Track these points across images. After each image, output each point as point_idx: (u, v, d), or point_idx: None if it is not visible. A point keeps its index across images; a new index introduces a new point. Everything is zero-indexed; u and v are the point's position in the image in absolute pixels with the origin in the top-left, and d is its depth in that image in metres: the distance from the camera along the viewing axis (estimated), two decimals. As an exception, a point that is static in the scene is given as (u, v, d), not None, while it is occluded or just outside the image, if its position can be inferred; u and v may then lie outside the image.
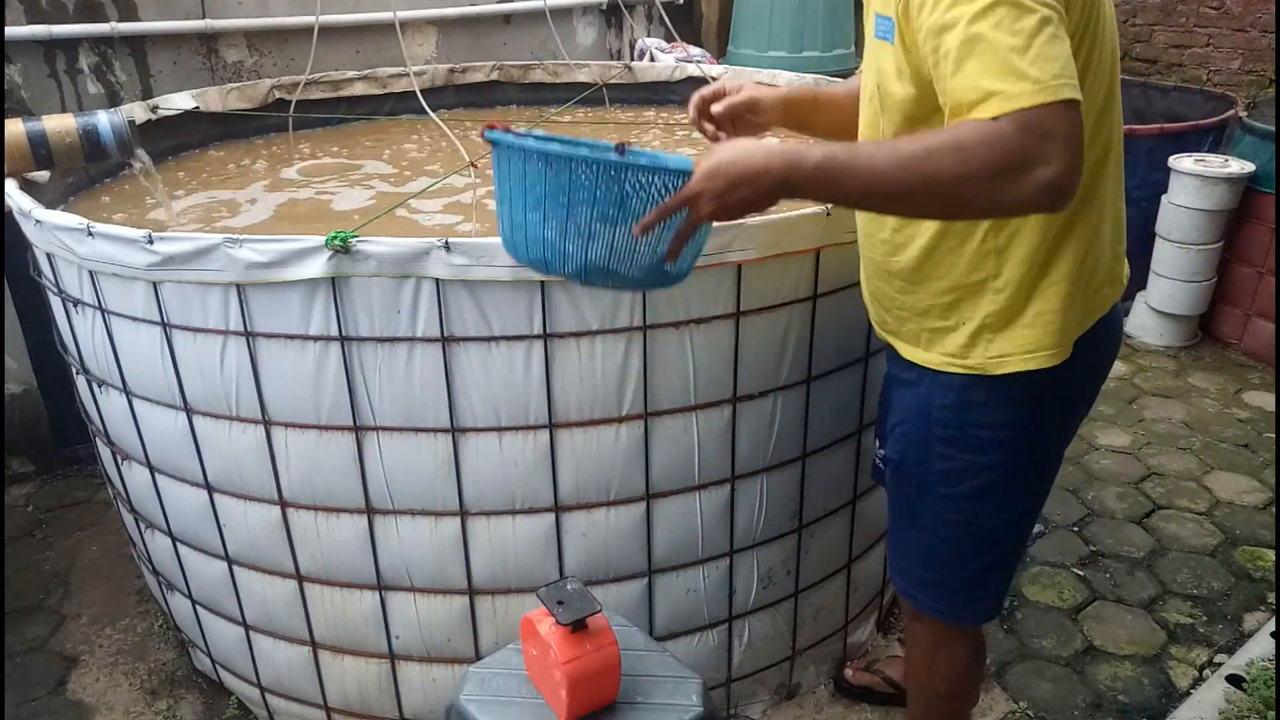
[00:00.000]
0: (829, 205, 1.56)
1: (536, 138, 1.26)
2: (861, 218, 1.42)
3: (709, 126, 1.53)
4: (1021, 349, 1.28)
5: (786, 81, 2.88)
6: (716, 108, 1.51)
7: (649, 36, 3.89)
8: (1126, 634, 2.25)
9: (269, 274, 1.48)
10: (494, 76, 3.19)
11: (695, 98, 1.53)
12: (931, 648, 1.59)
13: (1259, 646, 2.12)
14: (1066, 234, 1.25)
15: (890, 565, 1.58)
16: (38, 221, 1.65)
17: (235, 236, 1.47)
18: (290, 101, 2.80)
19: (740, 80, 1.57)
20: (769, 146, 1.11)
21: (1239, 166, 3.50)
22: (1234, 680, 1.98)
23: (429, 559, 1.70)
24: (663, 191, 1.14)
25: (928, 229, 1.29)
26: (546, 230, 1.17)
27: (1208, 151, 3.71)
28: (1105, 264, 1.32)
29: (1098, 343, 1.36)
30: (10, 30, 2.57)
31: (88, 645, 2.26)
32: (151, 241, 1.50)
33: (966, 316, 1.30)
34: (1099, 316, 1.34)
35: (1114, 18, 1.30)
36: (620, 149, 1.16)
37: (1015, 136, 0.99)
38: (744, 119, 1.52)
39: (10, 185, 1.84)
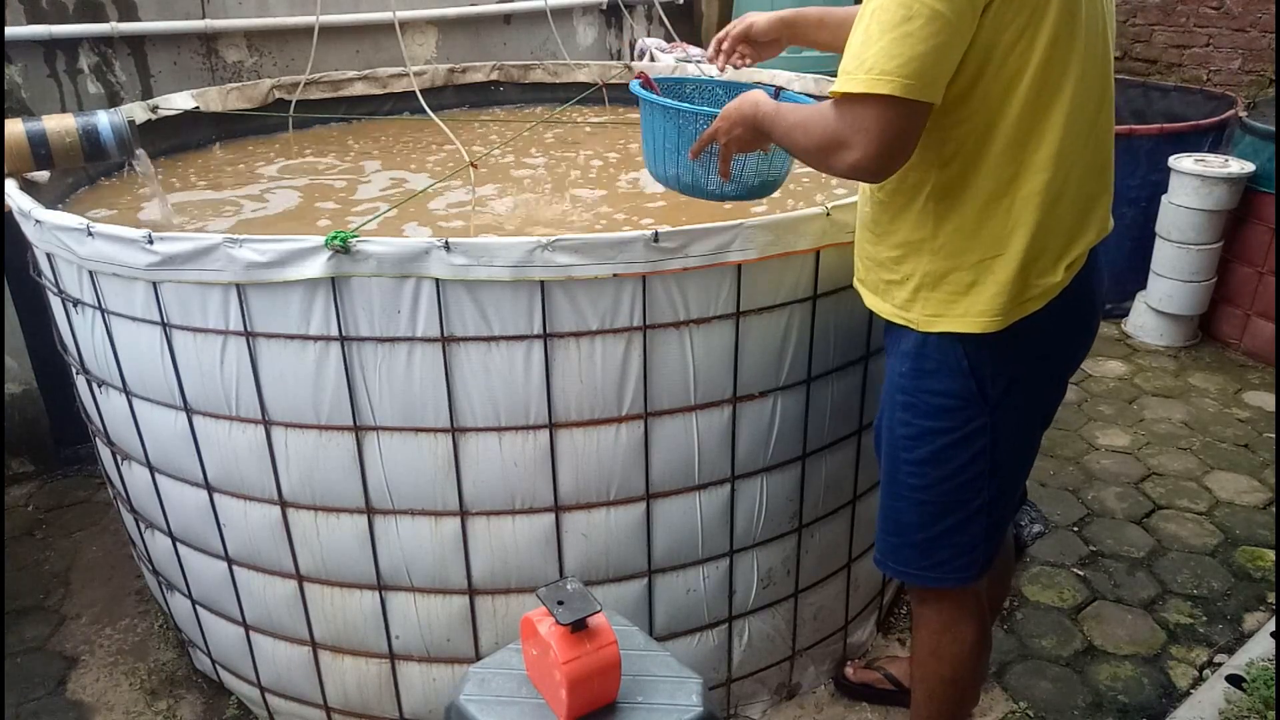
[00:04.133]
0: (829, 205, 1.60)
1: (663, 94, 1.78)
2: None
3: (720, 60, 1.85)
4: (952, 311, 1.37)
5: (785, 81, 2.88)
6: (721, 43, 1.83)
7: (649, 36, 3.89)
8: (1126, 634, 2.25)
9: (269, 274, 1.48)
10: (494, 76, 3.19)
11: (713, 41, 1.86)
12: (938, 632, 1.61)
13: (1259, 646, 2.12)
14: (1001, 211, 1.31)
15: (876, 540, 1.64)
16: (38, 221, 1.66)
17: (235, 236, 1.47)
18: (290, 101, 2.80)
19: (745, 15, 1.83)
20: (755, 99, 1.45)
21: (1239, 166, 3.50)
22: (1234, 680, 1.98)
23: (429, 559, 1.70)
24: (704, 127, 1.58)
25: (887, 187, 1.39)
26: (656, 156, 1.69)
27: (1208, 151, 3.71)
28: (1053, 251, 1.35)
29: (1053, 326, 1.40)
30: (10, 30, 2.57)
31: (88, 645, 2.26)
32: (151, 241, 1.50)
33: (909, 272, 1.41)
34: (1043, 303, 1.37)
35: (1107, 14, 1.32)
36: (645, 81, 1.75)
37: (833, 122, 1.23)
38: (751, 44, 1.81)
39: (10, 185, 1.84)
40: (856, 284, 1.57)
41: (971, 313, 1.36)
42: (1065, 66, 1.26)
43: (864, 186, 1.49)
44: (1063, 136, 1.28)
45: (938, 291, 1.38)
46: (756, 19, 1.78)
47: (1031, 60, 1.23)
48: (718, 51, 1.84)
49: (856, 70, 1.17)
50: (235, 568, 1.83)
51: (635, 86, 1.72)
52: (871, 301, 1.51)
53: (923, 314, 1.40)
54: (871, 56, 1.15)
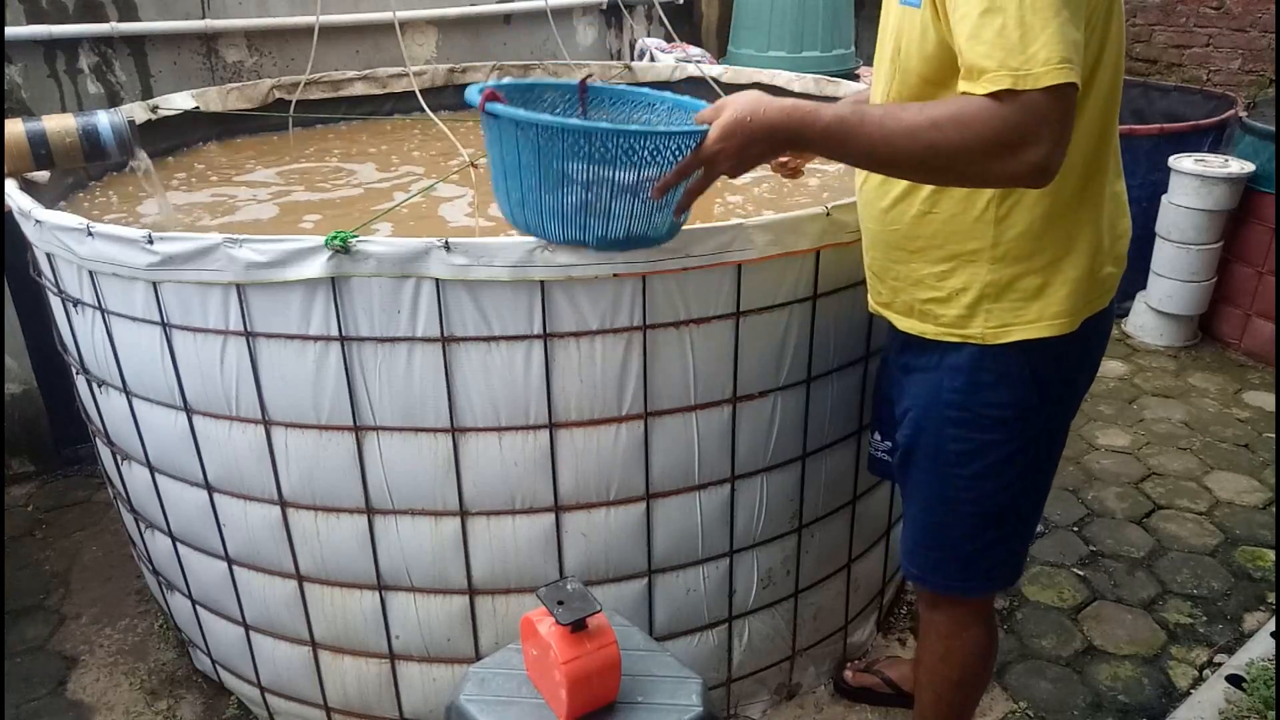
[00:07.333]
0: (828, 204, 1.59)
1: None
2: (864, 191, 1.45)
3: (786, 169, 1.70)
4: (1022, 318, 1.31)
5: (785, 82, 2.88)
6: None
7: (649, 36, 3.89)
8: (1126, 634, 2.25)
9: (269, 274, 1.48)
10: (494, 76, 3.19)
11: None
12: (948, 636, 1.59)
13: (1259, 646, 2.12)
14: (1069, 208, 1.29)
15: (903, 552, 1.59)
16: (38, 221, 1.65)
17: (235, 236, 1.47)
18: (290, 101, 2.80)
19: None
20: (782, 103, 1.18)
21: (1239, 166, 3.50)
22: (1234, 680, 1.98)
23: (429, 559, 1.70)
24: (678, 153, 1.18)
25: (927, 198, 1.32)
26: (566, 205, 1.23)
27: (1208, 151, 3.71)
28: (1108, 243, 1.35)
29: (1108, 323, 1.41)
30: (10, 30, 2.57)
31: (88, 645, 2.26)
32: (151, 241, 1.50)
33: (961, 286, 1.33)
34: (1110, 297, 1.37)
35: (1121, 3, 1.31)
36: (583, 86, 1.31)
37: (1014, 115, 1.05)
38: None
39: (10, 185, 1.84)
40: (877, 309, 1.49)
41: (1045, 316, 1.31)
42: (1119, 61, 1.26)
43: (876, 202, 1.40)
44: (1115, 129, 1.29)
45: (1003, 301, 1.32)
46: None
47: (1107, 51, 1.21)
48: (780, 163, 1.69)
49: (1028, 64, 1.04)
50: (235, 568, 1.83)
51: (474, 96, 1.27)
52: (906, 324, 1.43)
53: (987, 327, 1.33)
54: (1041, 47, 1.04)
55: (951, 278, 1.34)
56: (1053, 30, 1.04)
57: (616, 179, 1.19)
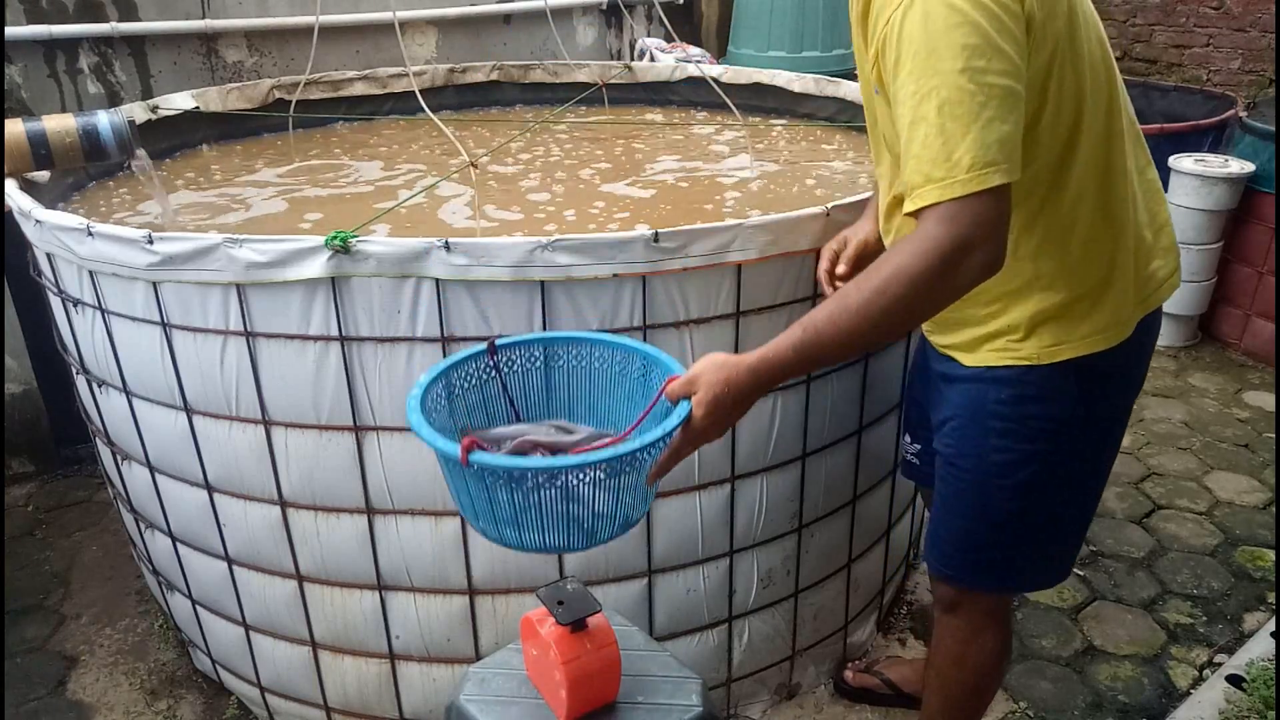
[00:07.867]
0: (829, 205, 1.59)
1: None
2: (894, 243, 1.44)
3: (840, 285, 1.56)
4: (1075, 334, 1.32)
5: (785, 82, 2.89)
6: (842, 268, 1.54)
7: (649, 36, 3.89)
8: (1126, 634, 2.25)
9: (269, 274, 1.48)
10: (494, 76, 3.19)
11: (823, 269, 1.56)
12: (965, 640, 1.58)
13: (1259, 646, 2.12)
14: (1100, 223, 1.29)
15: (934, 553, 1.57)
16: (38, 221, 1.66)
17: (235, 236, 1.47)
18: (290, 101, 2.80)
19: (842, 235, 1.59)
20: (747, 363, 1.20)
21: (1239, 166, 3.50)
22: (1234, 680, 1.98)
23: (429, 559, 1.70)
24: (667, 439, 1.20)
25: None
26: (575, 523, 1.19)
27: (1208, 151, 3.71)
28: (1147, 240, 1.36)
29: (1149, 325, 1.40)
30: (10, 30, 2.57)
31: (88, 645, 2.26)
32: (151, 241, 1.50)
33: (1016, 320, 1.34)
34: (1162, 295, 1.38)
35: (1094, 15, 1.31)
36: (491, 347, 1.32)
37: (947, 233, 1.08)
38: (866, 259, 1.54)
39: (10, 185, 1.84)
40: (944, 350, 1.46)
41: (1098, 329, 1.32)
42: (1109, 65, 1.27)
43: None
44: (1122, 125, 1.29)
45: (1056, 320, 1.32)
46: (866, 233, 1.55)
47: (1085, 81, 1.22)
48: (833, 277, 1.55)
49: (953, 172, 1.07)
50: (235, 568, 1.83)
51: (437, 441, 1.13)
52: (968, 359, 1.41)
53: (1041, 347, 1.33)
54: (965, 153, 1.07)
55: (1005, 314, 1.34)
56: (974, 135, 1.06)
57: (625, 485, 1.19)
